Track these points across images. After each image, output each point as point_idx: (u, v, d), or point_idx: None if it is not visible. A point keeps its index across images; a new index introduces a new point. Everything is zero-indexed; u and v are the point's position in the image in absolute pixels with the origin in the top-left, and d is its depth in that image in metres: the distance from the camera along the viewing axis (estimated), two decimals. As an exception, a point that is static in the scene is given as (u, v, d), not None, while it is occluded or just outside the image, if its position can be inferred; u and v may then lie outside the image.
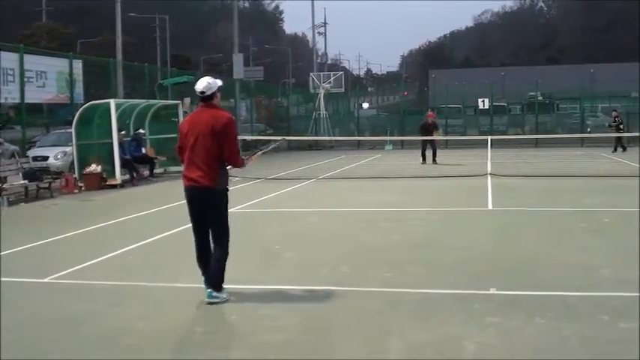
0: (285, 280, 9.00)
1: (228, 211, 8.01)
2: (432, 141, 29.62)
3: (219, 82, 8.09)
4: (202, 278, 7.99)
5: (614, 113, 38.17)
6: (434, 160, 28.82)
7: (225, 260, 7.87)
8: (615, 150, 35.35)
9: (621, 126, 36.97)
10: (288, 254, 10.78)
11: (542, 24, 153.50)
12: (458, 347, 6.45)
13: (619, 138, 35.44)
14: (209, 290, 7.80)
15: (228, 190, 8.02)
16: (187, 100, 33.24)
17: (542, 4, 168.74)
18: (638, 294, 8.06)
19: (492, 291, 8.34)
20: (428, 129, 29.63)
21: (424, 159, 29.05)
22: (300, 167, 27.63)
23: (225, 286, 7.82)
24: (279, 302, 7.15)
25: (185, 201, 8.09)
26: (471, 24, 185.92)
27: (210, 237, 7.95)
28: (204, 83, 7.96)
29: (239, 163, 8.11)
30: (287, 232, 12.88)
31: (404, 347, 6.49)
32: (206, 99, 7.98)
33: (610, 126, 37.40)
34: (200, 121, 7.88)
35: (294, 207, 16.71)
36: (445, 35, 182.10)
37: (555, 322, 7.05)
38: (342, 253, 10.73)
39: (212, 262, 7.85)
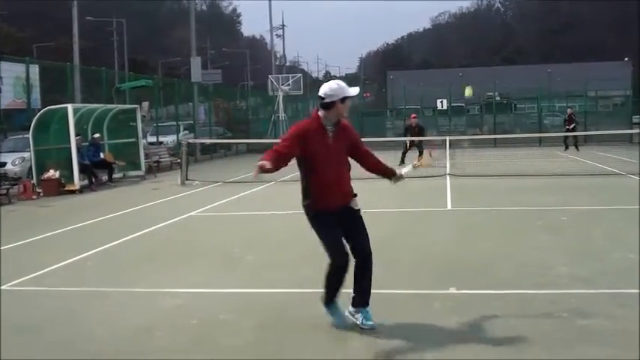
0: (246, 283, 9.00)
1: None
2: (419, 142, 29.15)
3: (349, 92, 6.92)
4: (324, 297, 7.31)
5: (569, 110, 38.64)
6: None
7: (337, 274, 7.16)
8: (567, 148, 35.66)
9: (576, 125, 37.24)
10: (248, 257, 10.76)
11: (499, 25, 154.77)
12: (418, 347, 6.49)
13: (572, 136, 35.71)
14: (367, 309, 7.08)
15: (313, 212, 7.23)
16: (145, 104, 33.08)
17: (499, 6, 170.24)
18: (594, 291, 8.20)
19: (452, 290, 8.41)
20: (413, 131, 29.21)
21: (402, 161, 28.16)
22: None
23: (184, 290, 7.63)
24: (239, 306, 7.13)
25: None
26: (428, 25, 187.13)
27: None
28: (328, 87, 6.88)
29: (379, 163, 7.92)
30: (247, 236, 12.86)
31: (364, 348, 6.52)
32: (323, 106, 6.88)
33: (565, 123, 37.70)
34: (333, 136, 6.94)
35: (254, 210, 16.67)
36: (403, 37, 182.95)
37: (513, 320, 7.14)
38: (303, 256, 10.73)
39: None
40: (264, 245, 12.06)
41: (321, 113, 6.88)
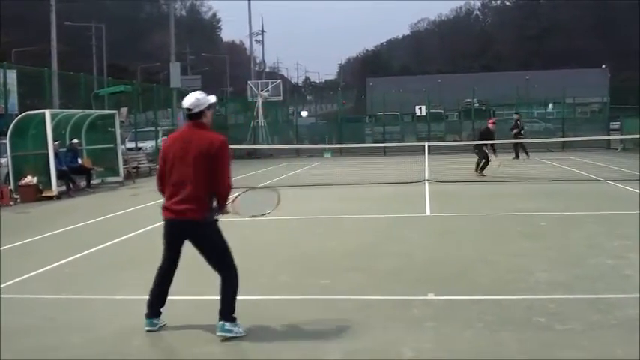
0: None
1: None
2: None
3: (211, 99, 7.11)
4: (146, 313, 7.34)
5: (515, 116, 37.96)
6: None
7: (236, 292, 7.13)
8: (517, 157, 34.65)
9: (522, 132, 36.77)
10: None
11: (478, 32, 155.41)
12: (396, 353, 6.50)
13: (520, 144, 34.89)
14: (222, 322, 7.01)
15: (217, 221, 7.21)
16: (124, 109, 32.96)
17: (478, 13, 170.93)
18: (572, 296, 8.26)
19: (430, 296, 8.42)
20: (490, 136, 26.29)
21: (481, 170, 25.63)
22: (239, 176, 27.48)
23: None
24: (216, 313, 7.11)
25: (163, 232, 7.26)
26: (407, 32, 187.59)
27: (217, 272, 7.20)
28: (192, 99, 6.98)
29: (226, 192, 7.06)
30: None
31: (341, 354, 6.52)
32: (193, 117, 7.00)
33: (511, 131, 36.18)
34: (190, 144, 6.91)
35: (232, 216, 16.62)
36: (382, 43, 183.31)
37: (492, 326, 7.16)
38: (280, 262, 10.74)
39: (226, 292, 7.09)
40: (242, 251, 11.97)
41: (189, 126, 7.07)
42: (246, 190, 8.16)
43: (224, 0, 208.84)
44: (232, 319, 7.01)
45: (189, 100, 6.97)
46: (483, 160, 25.40)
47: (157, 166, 7.35)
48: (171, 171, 6.97)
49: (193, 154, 6.84)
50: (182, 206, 6.88)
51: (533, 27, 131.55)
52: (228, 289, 7.07)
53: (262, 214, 8.20)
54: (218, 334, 6.96)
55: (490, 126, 26.43)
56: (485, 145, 25.78)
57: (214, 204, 7.05)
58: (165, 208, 7.05)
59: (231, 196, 7.32)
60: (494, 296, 8.37)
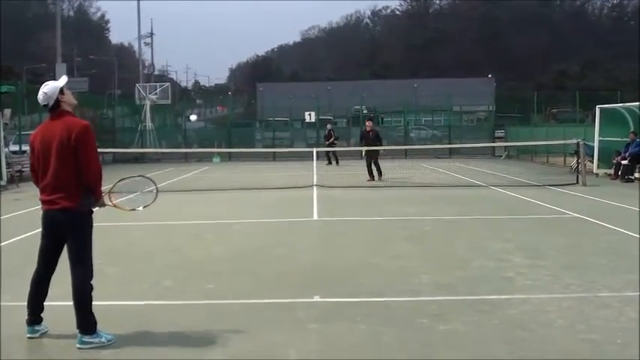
0: (107, 295, 8.69)
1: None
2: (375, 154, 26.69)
3: (59, 83, 6.92)
4: (27, 319, 7.02)
5: (328, 126, 40.04)
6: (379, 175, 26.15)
7: (91, 293, 6.87)
8: (330, 163, 36.47)
9: (336, 141, 38.50)
10: (110, 269, 10.42)
11: (368, 40, 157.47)
12: (281, 355, 6.45)
13: (333, 152, 36.52)
14: (80, 335, 6.76)
15: (92, 212, 6.98)
16: (7, 111, 31.97)
17: (368, 21, 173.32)
18: (455, 297, 8.35)
19: (316, 299, 8.40)
20: (368, 138, 26.98)
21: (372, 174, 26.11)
22: (130, 177, 26.87)
23: (47, 303, 7.24)
24: (100, 318, 6.87)
25: (41, 227, 7.02)
26: (298, 39, 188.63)
27: (70, 266, 6.85)
28: (42, 95, 6.82)
29: (95, 178, 6.80)
30: (110, 247, 12.46)
31: (227, 358, 6.42)
32: (52, 109, 6.84)
33: (327, 140, 38.29)
34: (52, 134, 6.74)
35: (117, 221, 16.24)
36: (273, 49, 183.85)
37: (377, 327, 7.18)
38: (165, 267, 10.54)
39: (76, 298, 6.81)
40: (127, 257, 11.76)
41: (50, 117, 6.92)
42: (121, 180, 7.93)
43: (113, 1, 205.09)
44: (91, 331, 6.80)
45: (40, 99, 6.85)
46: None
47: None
48: (39, 163, 6.83)
49: (56, 143, 6.68)
50: (54, 196, 6.76)
51: (421, 36, 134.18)
52: (86, 290, 6.84)
53: (144, 206, 8.01)
54: (77, 346, 6.75)
55: (367, 127, 27.27)
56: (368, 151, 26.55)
57: (87, 193, 6.82)
58: (41, 201, 6.94)
59: (108, 187, 7.15)
60: (379, 298, 8.40)
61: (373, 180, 25.42)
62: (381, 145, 27.58)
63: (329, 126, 40.21)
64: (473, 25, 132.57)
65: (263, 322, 7.52)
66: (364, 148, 27.10)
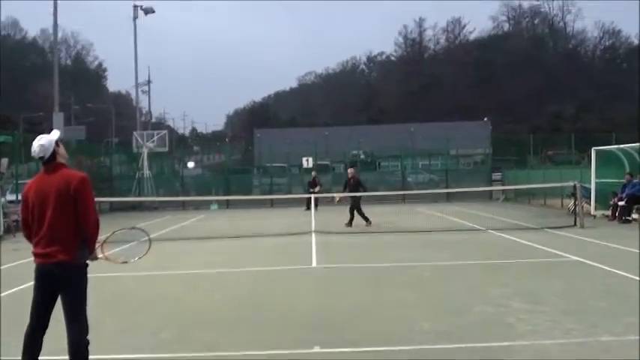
0: (105, 348, 8.63)
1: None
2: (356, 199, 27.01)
3: (54, 136, 6.93)
4: None
5: (313, 173, 40.40)
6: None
7: (87, 348, 6.81)
8: (308, 208, 34.94)
9: (319, 187, 38.38)
10: (107, 320, 10.37)
11: (364, 86, 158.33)
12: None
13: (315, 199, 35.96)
14: None
15: (87, 265, 6.93)
16: (5, 160, 31.93)
17: (364, 67, 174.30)
18: (455, 345, 8.30)
19: (316, 349, 8.33)
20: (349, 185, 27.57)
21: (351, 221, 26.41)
22: (123, 229, 26.82)
23: (44, 357, 7.12)
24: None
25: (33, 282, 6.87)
26: (295, 85, 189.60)
27: (65, 322, 6.77)
28: (38, 148, 6.79)
29: (93, 229, 6.79)
30: (107, 298, 12.41)
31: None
32: (47, 161, 6.82)
33: (313, 188, 37.98)
34: (48, 185, 6.71)
35: (114, 271, 16.19)
36: (270, 95, 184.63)
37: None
38: (164, 317, 10.47)
39: (72, 354, 6.72)
40: (124, 307, 11.71)
41: (45, 170, 6.89)
42: (114, 232, 7.90)
43: (111, 49, 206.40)
44: None
45: (36, 150, 6.81)
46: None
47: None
48: (34, 216, 6.75)
49: (54, 195, 6.64)
50: (49, 249, 6.63)
51: (417, 82, 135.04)
52: (80, 348, 6.76)
53: (136, 258, 7.99)
54: None
55: (349, 175, 28.02)
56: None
57: (82, 246, 6.77)
58: (34, 254, 6.80)
59: (101, 238, 7.10)
60: (380, 347, 8.34)
61: (350, 226, 25.70)
62: (363, 190, 27.93)
63: (314, 173, 40.38)
64: (468, 70, 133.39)
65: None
66: (338, 195, 28.98)
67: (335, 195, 29.65)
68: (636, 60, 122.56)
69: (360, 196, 27.19)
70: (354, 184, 27.27)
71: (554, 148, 58.18)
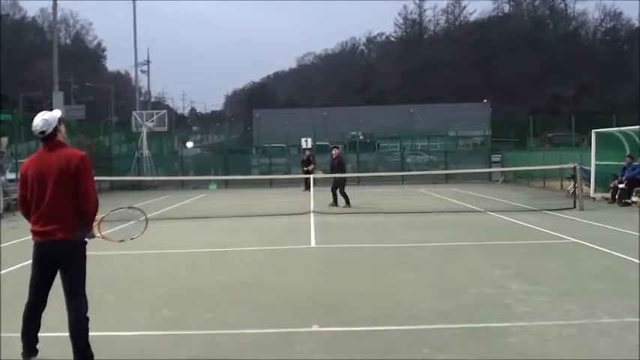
0: (104, 326, 8.64)
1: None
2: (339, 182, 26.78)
3: (57, 114, 6.86)
4: (22, 353, 6.89)
5: (307, 152, 40.32)
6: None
7: (87, 325, 6.79)
8: (307, 189, 34.67)
9: (314, 166, 38.41)
10: (108, 298, 10.38)
11: (363, 66, 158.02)
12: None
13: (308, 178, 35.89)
14: None
15: (86, 243, 6.93)
16: (4, 139, 31.94)
17: (363, 48, 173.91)
18: (454, 325, 8.30)
19: (315, 328, 8.34)
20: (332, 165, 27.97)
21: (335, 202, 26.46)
22: (119, 209, 26.77)
23: (40, 334, 7.15)
24: (97, 349, 6.81)
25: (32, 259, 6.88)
26: (294, 65, 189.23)
27: (65, 299, 6.76)
28: (41, 121, 6.70)
29: (92, 208, 6.79)
30: (106, 276, 12.40)
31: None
32: (48, 138, 6.74)
33: (307, 166, 38.19)
34: (48, 163, 6.65)
35: (114, 250, 16.20)
36: (269, 76, 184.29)
37: (375, 356, 7.12)
38: (163, 296, 10.48)
39: (73, 331, 6.69)
40: (125, 286, 11.73)
41: (45, 147, 6.83)
42: (112, 212, 7.87)
43: (110, 29, 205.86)
44: None
45: (39, 124, 6.71)
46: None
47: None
48: (33, 194, 6.72)
49: (54, 174, 6.61)
50: (49, 227, 6.63)
51: (416, 62, 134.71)
52: (80, 326, 6.75)
53: (131, 238, 7.97)
54: None
55: (333, 154, 28.33)
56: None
57: (81, 224, 6.76)
58: (33, 232, 6.79)
59: (97, 217, 7.09)
60: (379, 327, 8.33)
61: (335, 206, 25.76)
62: (343, 172, 27.98)
63: (307, 152, 40.31)
64: (468, 51, 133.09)
65: (261, 352, 7.47)
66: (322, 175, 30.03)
67: (321, 175, 29.92)
68: (637, 42, 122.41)
69: (344, 177, 27.32)
70: (337, 165, 27.46)
71: (554, 130, 58.10)
